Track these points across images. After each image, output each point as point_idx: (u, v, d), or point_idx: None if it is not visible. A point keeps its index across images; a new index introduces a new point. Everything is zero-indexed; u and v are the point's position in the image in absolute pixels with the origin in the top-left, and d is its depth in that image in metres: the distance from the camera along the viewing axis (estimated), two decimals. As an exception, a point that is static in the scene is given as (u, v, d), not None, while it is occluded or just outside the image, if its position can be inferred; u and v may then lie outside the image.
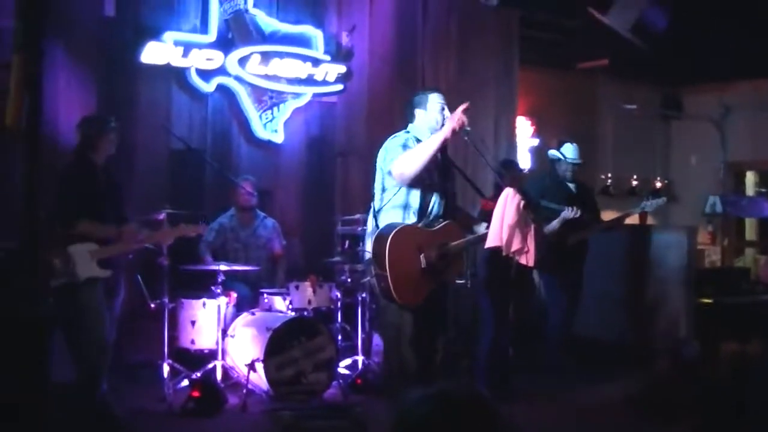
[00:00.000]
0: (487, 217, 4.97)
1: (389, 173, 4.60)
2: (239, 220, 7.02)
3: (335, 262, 6.96)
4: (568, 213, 6.36)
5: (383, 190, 4.70)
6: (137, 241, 5.46)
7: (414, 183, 4.59)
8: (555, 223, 6.36)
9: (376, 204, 4.72)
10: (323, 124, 8.08)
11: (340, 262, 6.88)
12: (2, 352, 4.37)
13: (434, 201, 4.68)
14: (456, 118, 4.46)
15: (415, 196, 4.62)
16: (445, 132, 4.46)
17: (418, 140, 4.70)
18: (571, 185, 7.05)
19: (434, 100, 4.76)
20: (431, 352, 4.68)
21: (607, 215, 7.69)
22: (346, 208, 7.61)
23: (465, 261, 4.91)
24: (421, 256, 4.50)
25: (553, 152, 7.09)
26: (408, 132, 4.77)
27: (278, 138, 7.71)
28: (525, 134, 9.67)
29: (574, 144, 7.05)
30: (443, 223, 4.65)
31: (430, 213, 4.66)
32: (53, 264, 5.04)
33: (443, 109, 4.75)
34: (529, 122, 9.70)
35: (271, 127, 7.67)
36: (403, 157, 4.56)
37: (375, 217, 4.70)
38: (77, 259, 5.07)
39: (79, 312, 5.05)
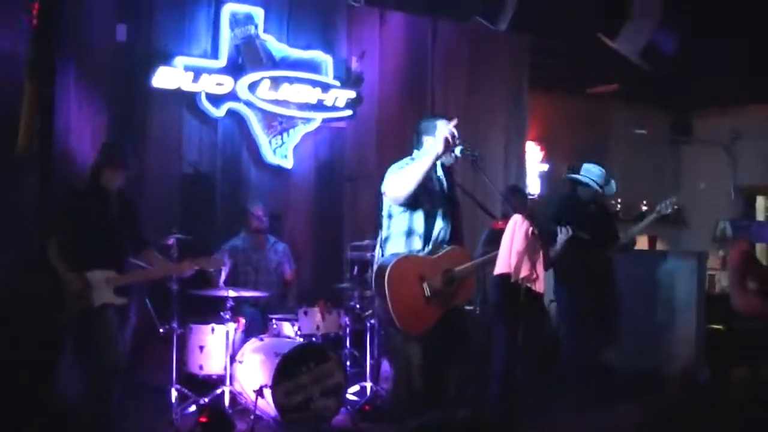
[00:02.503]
0: (497, 237, 4.98)
1: (383, 193, 4.61)
2: (251, 243, 7.04)
3: (344, 288, 6.96)
4: (564, 234, 6.10)
5: (389, 216, 4.70)
6: (157, 273, 5.53)
7: (416, 208, 4.60)
8: (557, 247, 6.16)
9: (383, 233, 4.72)
10: (333, 149, 8.10)
11: (350, 288, 6.87)
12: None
13: (440, 226, 4.66)
14: (444, 135, 4.40)
15: (419, 221, 4.61)
16: (436, 149, 4.42)
17: None
18: (592, 207, 6.95)
19: (442, 126, 4.72)
20: (444, 380, 4.66)
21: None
22: (356, 233, 7.62)
23: (474, 286, 4.86)
24: (424, 284, 4.50)
25: (581, 177, 6.91)
26: (414, 159, 4.75)
27: (288, 163, 7.73)
28: (535, 159, 9.67)
29: (598, 166, 6.95)
30: (447, 249, 4.64)
31: (437, 239, 4.64)
32: (70, 288, 5.09)
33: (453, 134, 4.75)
34: (539, 147, 9.72)
35: (281, 153, 7.69)
36: (396, 176, 4.56)
37: (382, 246, 4.70)
38: (94, 285, 5.14)
39: (92, 337, 5.08)
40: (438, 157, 4.45)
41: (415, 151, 4.81)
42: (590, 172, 6.88)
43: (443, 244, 4.67)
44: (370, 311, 6.43)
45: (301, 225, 7.90)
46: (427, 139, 4.77)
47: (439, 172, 4.77)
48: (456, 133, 4.44)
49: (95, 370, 5.08)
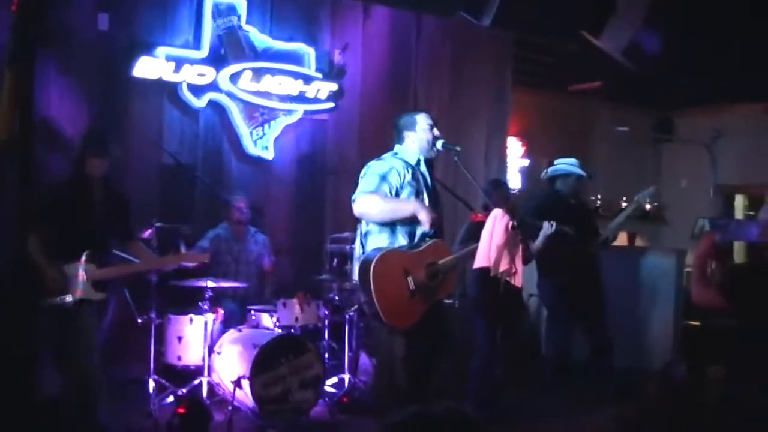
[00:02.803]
0: (476, 230, 4.99)
1: (352, 200, 4.58)
2: (232, 233, 7.04)
3: (324, 280, 6.97)
4: (548, 228, 6.08)
5: None
6: (142, 267, 5.50)
7: None
8: (538, 242, 6.12)
9: (363, 227, 4.71)
10: (314, 142, 8.12)
11: (329, 280, 6.88)
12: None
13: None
14: (430, 217, 4.49)
15: (404, 217, 4.61)
16: (418, 213, 4.50)
17: (407, 163, 4.70)
18: (572, 201, 6.92)
19: (422, 120, 4.77)
20: (427, 374, 4.67)
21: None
22: (336, 226, 7.63)
23: (456, 280, 4.87)
24: (409, 278, 4.51)
25: (561, 166, 6.88)
26: (396, 154, 4.76)
27: (269, 155, 7.74)
28: (516, 154, 9.72)
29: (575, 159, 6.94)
30: (429, 242, 4.63)
31: (421, 234, 4.65)
32: (47, 282, 4.92)
33: (432, 128, 4.77)
34: (520, 143, 9.76)
35: (261, 144, 7.70)
36: (373, 200, 4.53)
37: (362, 241, 4.69)
38: (72, 279, 4.96)
39: (70, 334, 4.94)
40: (411, 215, 4.52)
41: (397, 146, 4.80)
42: (567, 162, 6.89)
43: (425, 238, 4.66)
44: (356, 306, 6.42)
45: (281, 217, 7.91)
46: (407, 135, 4.77)
47: (423, 167, 4.77)
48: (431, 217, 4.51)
49: (74, 368, 4.92)
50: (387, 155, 4.76)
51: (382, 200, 4.53)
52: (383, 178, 4.59)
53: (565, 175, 6.85)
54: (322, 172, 8.09)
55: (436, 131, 4.77)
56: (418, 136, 4.76)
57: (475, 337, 6.20)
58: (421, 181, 4.71)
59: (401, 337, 4.54)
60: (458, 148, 4.73)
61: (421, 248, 4.61)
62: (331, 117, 8.14)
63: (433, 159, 4.85)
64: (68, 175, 5.38)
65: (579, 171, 6.83)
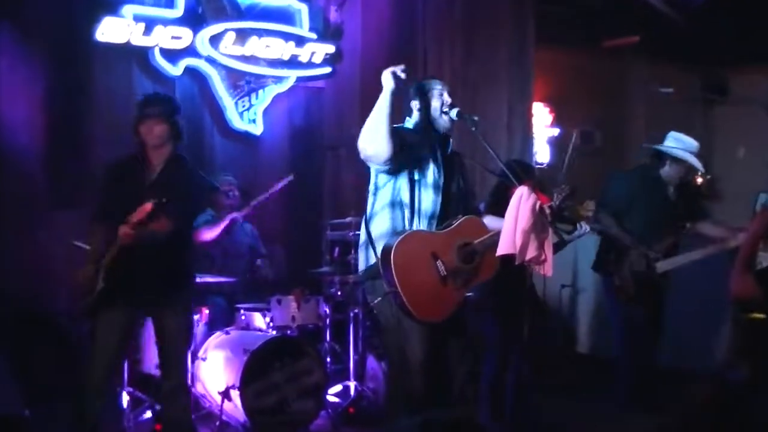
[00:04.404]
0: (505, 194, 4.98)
1: (361, 153, 4.56)
2: (221, 222, 6.98)
3: (324, 273, 6.97)
4: (582, 230, 5.44)
5: (376, 190, 4.70)
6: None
7: (400, 176, 4.60)
8: (576, 235, 5.50)
9: (368, 210, 4.73)
10: (309, 113, 8.12)
11: (329, 272, 6.89)
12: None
13: (430, 199, 4.65)
14: (390, 69, 4.39)
15: (405, 191, 4.61)
16: (386, 84, 4.39)
17: (414, 132, 4.72)
18: (671, 188, 6.47)
19: (433, 86, 4.78)
20: (447, 378, 4.70)
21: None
22: (337, 210, 7.62)
23: (498, 260, 4.82)
24: (438, 262, 4.52)
25: (677, 147, 6.38)
26: (404, 126, 4.76)
27: (257, 129, 7.76)
28: (543, 123, 9.71)
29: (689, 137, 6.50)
30: (459, 220, 4.65)
31: (426, 212, 4.65)
32: (79, 279, 4.96)
33: (442, 94, 4.76)
34: (548, 109, 9.75)
35: (248, 117, 7.71)
36: (363, 130, 4.53)
37: (367, 225, 4.70)
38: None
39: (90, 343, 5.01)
40: (393, 93, 4.41)
41: (407, 119, 4.81)
42: (685, 144, 6.42)
43: (435, 218, 4.66)
44: (378, 299, 6.39)
45: (272, 200, 7.80)
46: (414, 104, 4.77)
47: (433, 139, 4.77)
48: (405, 70, 4.41)
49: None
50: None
51: (366, 122, 4.51)
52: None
53: (676, 160, 6.42)
54: (320, 148, 8.08)
55: (447, 97, 4.76)
56: (425, 106, 4.76)
57: (488, 337, 6.09)
58: (429, 152, 4.70)
59: (416, 335, 4.53)
60: (476, 118, 4.70)
61: (451, 227, 4.62)
62: (327, 84, 8.13)
63: (449, 133, 4.83)
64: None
65: (697, 163, 6.39)
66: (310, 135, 8.10)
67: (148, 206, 4.71)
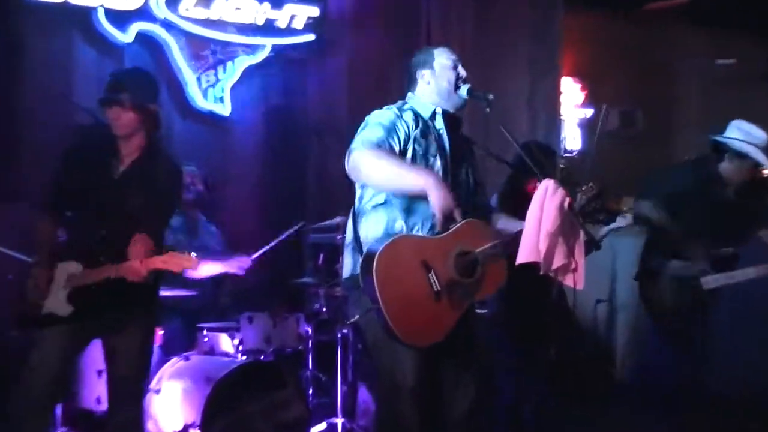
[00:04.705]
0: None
1: (348, 152, 4.50)
2: (183, 223, 6.95)
3: (306, 285, 6.95)
4: (622, 220, 5.55)
5: (365, 184, 4.62)
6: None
7: None
8: (603, 232, 5.75)
9: (356, 204, 4.67)
10: (289, 91, 8.11)
11: (313, 284, 6.85)
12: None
13: (437, 173, 4.56)
14: (443, 204, 4.30)
15: (409, 191, 4.51)
16: (430, 193, 4.31)
17: (418, 115, 4.64)
18: (730, 188, 6.36)
19: (442, 56, 4.73)
20: (447, 409, 4.63)
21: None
22: (322, 207, 7.62)
23: (506, 272, 4.75)
24: (430, 275, 4.40)
25: (739, 140, 6.23)
26: (406, 103, 4.72)
27: (224, 109, 7.74)
28: (572, 102, 9.73)
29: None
30: (457, 224, 4.49)
31: (428, 213, 4.50)
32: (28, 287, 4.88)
33: (455, 66, 4.72)
34: (579, 86, 9.75)
35: (214, 94, 7.69)
36: (376, 157, 4.43)
37: (355, 223, 4.65)
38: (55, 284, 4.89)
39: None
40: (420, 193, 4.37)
41: (409, 94, 4.77)
42: (748, 134, 6.28)
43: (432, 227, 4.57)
44: (356, 317, 6.31)
45: (245, 197, 7.92)
46: (422, 74, 4.72)
47: (439, 123, 4.72)
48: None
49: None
50: (391, 108, 4.69)
51: (388, 160, 4.45)
52: (390, 130, 4.55)
53: (739, 155, 6.30)
54: (301, 133, 8.09)
55: (461, 70, 4.71)
56: (436, 77, 4.72)
57: (504, 360, 6.07)
58: (435, 142, 4.66)
59: (408, 359, 4.48)
60: (491, 96, 4.59)
61: (449, 231, 4.50)
62: (311, 55, 8.12)
63: (459, 113, 4.78)
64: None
65: (765, 160, 6.24)
66: (290, 117, 8.08)
67: (191, 261, 4.69)
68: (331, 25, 8.11)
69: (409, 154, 4.56)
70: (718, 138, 6.30)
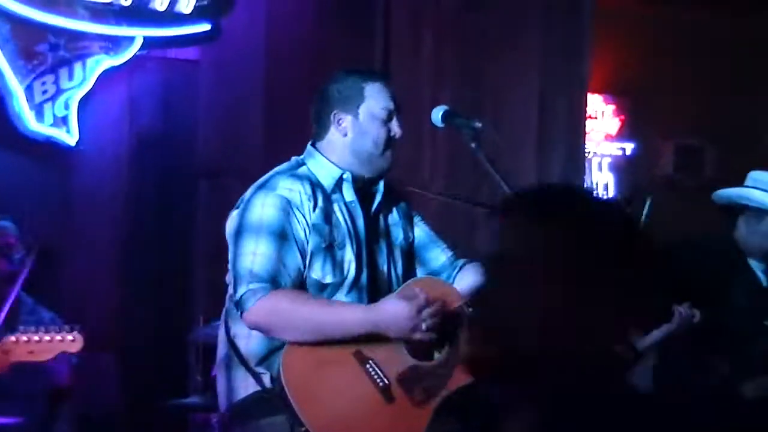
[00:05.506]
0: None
1: (235, 300, 4.56)
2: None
3: (189, 407, 7.02)
4: (686, 312, 5.81)
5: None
6: None
7: None
8: (654, 336, 5.89)
9: (227, 302, 4.74)
10: (171, 108, 8.20)
11: (200, 404, 6.89)
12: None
13: (348, 267, 4.66)
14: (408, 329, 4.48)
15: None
16: (382, 329, 4.49)
17: (317, 187, 4.67)
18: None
19: (375, 98, 4.73)
20: None
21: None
22: (216, 287, 7.54)
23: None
24: (368, 366, 4.52)
25: (756, 191, 6.43)
26: (302, 165, 4.76)
27: (69, 135, 7.76)
28: (604, 129, 9.85)
29: None
30: (398, 289, 4.71)
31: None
32: None
33: (391, 117, 4.74)
34: (613, 106, 9.85)
35: (53, 112, 7.72)
36: (281, 307, 4.52)
37: (228, 329, 4.72)
38: None
39: None
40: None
41: (309, 147, 4.81)
42: None
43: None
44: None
45: (100, 272, 7.97)
46: (339, 119, 4.73)
47: (348, 194, 4.77)
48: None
49: None
50: (282, 168, 4.75)
51: (300, 307, 4.54)
52: (284, 239, 4.58)
53: (758, 212, 6.52)
54: (187, 172, 8.15)
55: (396, 127, 4.73)
56: (359, 128, 4.74)
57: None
58: (342, 224, 4.72)
59: None
60: (478, 124, 4.75)
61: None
62: (203, 55, 8.25)
63: (385, 176, 4.83)
64: None
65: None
66: (171, 148, 8.16)
67: None
68: (236, 12, 8.18)
69: (308, 251, 4.60)
70: (732, 192, 6.54)
